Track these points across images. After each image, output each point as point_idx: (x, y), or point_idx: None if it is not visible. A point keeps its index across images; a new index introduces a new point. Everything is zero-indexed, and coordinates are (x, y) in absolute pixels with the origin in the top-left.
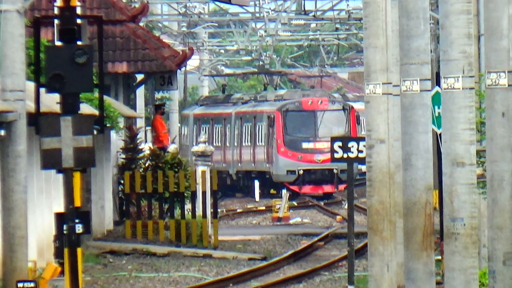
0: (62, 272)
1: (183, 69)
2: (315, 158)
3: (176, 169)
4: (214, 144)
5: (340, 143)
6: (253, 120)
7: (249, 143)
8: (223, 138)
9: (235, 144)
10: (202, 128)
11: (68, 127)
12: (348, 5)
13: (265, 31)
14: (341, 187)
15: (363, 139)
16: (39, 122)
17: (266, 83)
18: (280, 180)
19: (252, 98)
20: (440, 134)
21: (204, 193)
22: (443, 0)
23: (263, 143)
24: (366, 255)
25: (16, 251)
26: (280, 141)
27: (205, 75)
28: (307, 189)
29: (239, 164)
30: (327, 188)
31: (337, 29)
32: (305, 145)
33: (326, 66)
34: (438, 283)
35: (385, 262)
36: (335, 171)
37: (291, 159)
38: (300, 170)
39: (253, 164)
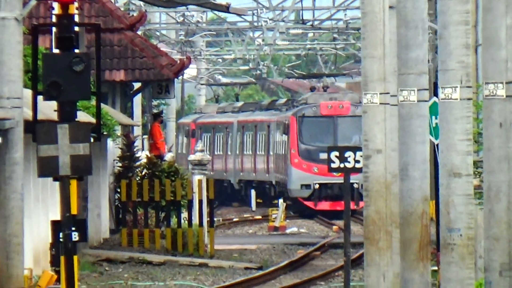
0: (58, 280)
1: (180, 77)
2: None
3: (173, 178)
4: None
5: (337, 153)
6: (267, 128)
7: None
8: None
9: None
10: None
11: (65, 135)
12: (346, 14)
13: (263, 40)
14: (362, 203)
15: (360, 149)
16: (36, 129)
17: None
18: (293, 195)
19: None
20: (437, 145)
21: (200, 202)
22: (441, 11)
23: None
24: (362, 265)
25: (12, 259)
26: (295, 150)
27: (203, 84)
28: (323, 205)
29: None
30: None
31: (334, 38)
32: (322, 155)
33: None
34: None
35: (381, 272)
36: (355, 185)
37: (306, 172)
38: (315, 184)
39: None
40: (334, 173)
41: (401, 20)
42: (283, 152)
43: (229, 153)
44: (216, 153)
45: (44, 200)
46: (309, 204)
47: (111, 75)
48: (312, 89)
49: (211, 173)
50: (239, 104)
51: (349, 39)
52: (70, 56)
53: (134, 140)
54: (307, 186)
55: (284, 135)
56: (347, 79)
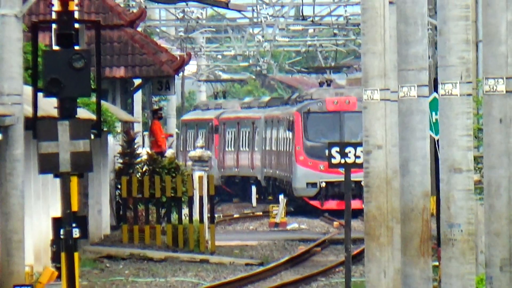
0: (59, 277)
1: (180, 74)
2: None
3: (174, 174)
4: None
5: (337, 149)
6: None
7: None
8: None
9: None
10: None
11: (66, 132)
12: (346, 10)
13: (263, 37)
14: None
15: (360, 144)
16: (37, 126)
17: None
18: (299, 194)
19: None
20: (437, 140)
21: (201, 198)
22: (441, 6)
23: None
24: (363, 261)
25: (13, 255)
26: (300, 147)
27: (200, 80)
28: (330, 204)
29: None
30: (355, 204)
31: (335, 34)
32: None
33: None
34: None
35: (382, 268)
36: (363, 183)
37: (312, 169)
38: (322, 182)
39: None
40: (340, 170)
41: (401, 16)
42: (288, 149)
43: (255, 149)
44: (241, 148)
45: (44, 197)
46: (315, 203)
47: (111, 71)
48: (321, 83)
49: (236, 169)
50: (266, 98)
51: (350, 35)
52: (70, 53)
53: (135, 136)
54: (313, 185)
55: (288, 131)
56: (349, 75)
